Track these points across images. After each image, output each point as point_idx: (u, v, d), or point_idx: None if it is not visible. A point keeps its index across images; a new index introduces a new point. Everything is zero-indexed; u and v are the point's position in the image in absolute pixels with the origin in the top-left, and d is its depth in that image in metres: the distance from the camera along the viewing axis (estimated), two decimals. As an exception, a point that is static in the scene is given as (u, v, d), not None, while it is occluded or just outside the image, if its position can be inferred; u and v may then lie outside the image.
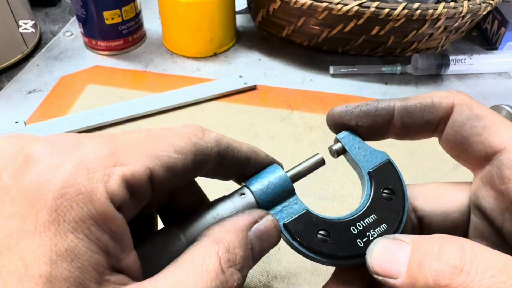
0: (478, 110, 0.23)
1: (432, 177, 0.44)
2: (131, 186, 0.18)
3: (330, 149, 0.26)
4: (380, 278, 0.21)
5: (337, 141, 0.26)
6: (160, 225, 0.27)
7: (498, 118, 0.23)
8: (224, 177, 0.25)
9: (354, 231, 0.23)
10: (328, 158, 0.26)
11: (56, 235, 0.16)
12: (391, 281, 0.20)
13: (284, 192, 0.24)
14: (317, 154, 0.26)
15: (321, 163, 0.26)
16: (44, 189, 0.17)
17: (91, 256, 0.17)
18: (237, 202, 0.24)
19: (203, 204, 0.25)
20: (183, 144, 0.21)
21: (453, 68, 0.57)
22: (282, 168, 0.25)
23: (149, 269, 0.20)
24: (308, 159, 0.26)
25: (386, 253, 0.21)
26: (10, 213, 0.17)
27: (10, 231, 0.17)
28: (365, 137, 0.26)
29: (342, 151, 0.26)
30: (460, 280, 0.17)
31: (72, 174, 0.17)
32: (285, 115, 0.51)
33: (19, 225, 0.17)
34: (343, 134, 0.25)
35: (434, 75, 0.58)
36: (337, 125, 0.26)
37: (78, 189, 0.17)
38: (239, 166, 0.24)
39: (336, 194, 0.42)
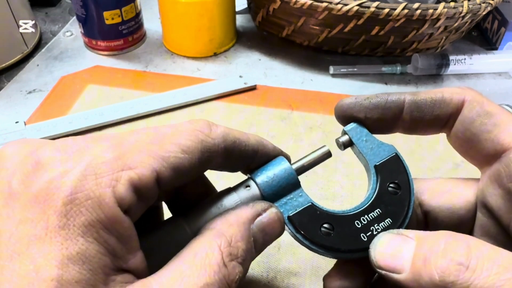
0: (489, 108, 0.23)
1: (431, 177, 0.44)
2: (138, 189, 0.19)
3: (337, 141, 0.26)
4: (383, 272, 0.21)
5: (344, 133, 0.26)
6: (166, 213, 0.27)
7: (508, 116, 0.23)
8: (231, 169, 0.25)
9: (358, 225, 0.23)
10: (329, 158, 0.26)
11: (67, 239, 0.17)
12: (395, 275, 0.20)
13: (289, 185, 0.24)
14: (324, 146, 0.26)
15: (327, 155, 0.26)
16: (54, 195, 0.17)
17: (100, 259, 0.17)
18: (242, 194, 0.24)
19: (209, 195, 0.25)
20: (190, 143, 0.21)
21: (453, 68, 0.57)
22: (289, 160, 0.26)
23: (156, 260, 0.21)
24: (315, 151, 0.26)
25: (390, 248, 0.21)
26: (20, 219, 0.17)
27: (21, 236, 0.17)
28: (373, 130, 0.25)
29: (349, 144, 0.25)
30: (466, 277, 0.17)
31: (81, 179, 0.18)
32: (285, 115, 0.51)
33: (30, 231, 0.17)
34: (351, 126, 0.25)
35: (434, 75, 0.58)
36: (345, 116, 0.25)
37: (87, 194, 0.17)
38: (246, 159, 0.24)
39: (336, 194, 0.42)
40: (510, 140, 0.22)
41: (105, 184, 0.18)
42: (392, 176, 0.24)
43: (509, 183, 0.22)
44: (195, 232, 0.22)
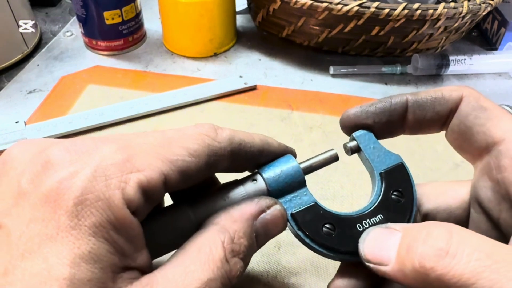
0: (484, 103, 0.23)
1: (432, 177, 0.44)
2: (146, 191, 0.19)
3: (345, 146, 0.26)
4: (371, 265, 0.21)
5: (352, 139, 0.26)
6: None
7: (502, 111, 0.23)
8: (238, 171, 0.25)
9: (360, 228, 0.24)
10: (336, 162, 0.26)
11: (79, 239, 0.17)
12: (382, 268, 0.20)
13: (295, 183, 0.24)
14: (332, 149, 0.26)
15: (335, 158, 0.26)
16: (64, 195, 0.18)
17: (110, 258, 0.18)
18: (248, 187, 0.24)
19: (215, 186, 0.25)
20: (196, 147, 0.21)
21: (453, 68, 0.57)
22: (295, 154, 0.26)
23: (159, 245, 0.22)
24: (323, 153, 0.26)
25: (377, 241, 0.21)
26: (30, 219, 0.17)
27: (31, 235, 0.17)
28: (380, 135, 0.26)
29: (356, 150, 0.26)
30: (445, 263, 0.17)
31: (91, 180, 0.18)
32: (285, 115, 0.51)
33: (41, 230, 0.17)
34: (359, 133, 0.26)
35: (434, 75, 0.58)
36: (352, 126, 0.26)
37: (97, 195, 0.18)
38: (251, 159, 0.24)
39: (336, 194, 0.42)
40: (501, 133, 0.22)
41: (114, 186, 0.18)
42: (396, 184, 0.25)
43: (498, 174, 0.22)
44: (199, 221, 0.23)
